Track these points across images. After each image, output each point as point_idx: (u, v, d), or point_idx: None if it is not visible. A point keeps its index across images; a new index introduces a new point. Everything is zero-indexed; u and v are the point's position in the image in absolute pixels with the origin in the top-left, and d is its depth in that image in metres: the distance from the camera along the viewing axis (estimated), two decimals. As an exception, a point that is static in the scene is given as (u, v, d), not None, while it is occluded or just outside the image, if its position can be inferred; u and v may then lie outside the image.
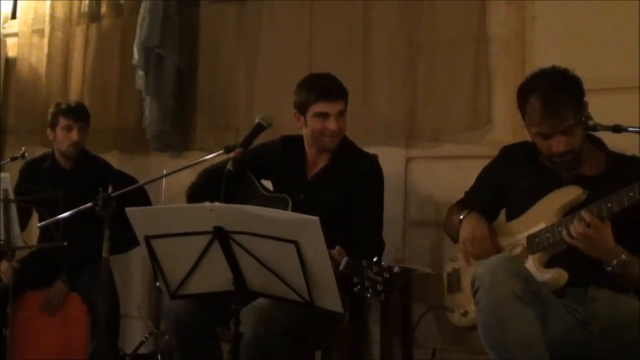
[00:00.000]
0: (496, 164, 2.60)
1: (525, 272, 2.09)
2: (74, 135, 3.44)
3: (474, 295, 2.08)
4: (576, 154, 2.30)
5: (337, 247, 2.19)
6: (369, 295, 2.01)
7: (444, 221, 2.73)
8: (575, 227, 2.13)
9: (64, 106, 3.51)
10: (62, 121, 3.45)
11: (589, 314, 2.16)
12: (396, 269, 2.02)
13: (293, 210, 2.57)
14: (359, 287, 2.01)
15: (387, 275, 1.99)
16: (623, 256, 2.11)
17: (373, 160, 2.86)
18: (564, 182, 2.33)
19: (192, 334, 2.47)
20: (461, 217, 2.48)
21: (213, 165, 2.80)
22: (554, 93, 2.24)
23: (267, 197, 2.73)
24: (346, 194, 2.66)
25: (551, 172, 2.37)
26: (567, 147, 2.26)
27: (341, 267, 2.07)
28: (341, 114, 2.68)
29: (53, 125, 3.49)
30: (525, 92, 2.33)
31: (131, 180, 3.40)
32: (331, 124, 2.66)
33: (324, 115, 2.66)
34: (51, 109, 3.54)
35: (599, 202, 2.12)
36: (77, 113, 3.49)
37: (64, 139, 3.46)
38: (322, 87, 2.68)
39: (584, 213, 2.12)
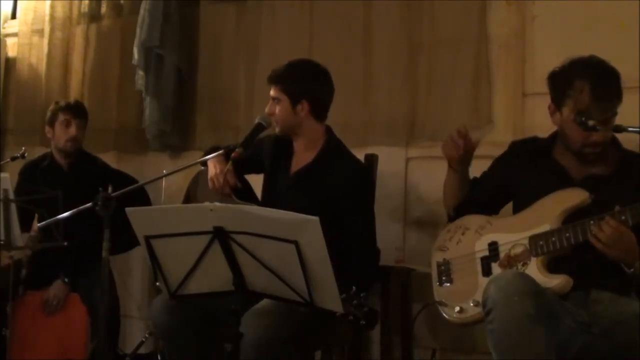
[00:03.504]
0: (505, 158, 2.56)
1: (536, 287, 2.06)
2: (73, 130, 3.47)
3: (486, 314, 2.06)
4: (603, 148, 2.27)
5: None
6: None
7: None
8: (604, 230, 2.10)
9: (63, 103, 3.56)
10: (61, 116, 3.48)
11: (591, 317, 2.15)
12: (365, 308, 1.92)
13: None
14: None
15: (366, 309, 1.94)
16: None
17: (358, 165, 2.69)
18: (575, 183, 2.30)
19: (177, 339, 2.45)
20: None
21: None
22: (607, 79, 2.22)
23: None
24: (325, 199, 2.49)
25: (562, 172, 2.33)
26: (604, 139, 2.22)
27: None
28: (275, 100, 2.61)
29: (52, 122, 3.52)
30: (568, 75, 2.26)
31: (130, 179, 3.40)
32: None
33: None
34: (50, 107, 3.58)
35: (631, 207, 2.09)
36: (76, 109, 3.53)
37: (62, 134, 3.48)
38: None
39: (609, 219, 2.10)
